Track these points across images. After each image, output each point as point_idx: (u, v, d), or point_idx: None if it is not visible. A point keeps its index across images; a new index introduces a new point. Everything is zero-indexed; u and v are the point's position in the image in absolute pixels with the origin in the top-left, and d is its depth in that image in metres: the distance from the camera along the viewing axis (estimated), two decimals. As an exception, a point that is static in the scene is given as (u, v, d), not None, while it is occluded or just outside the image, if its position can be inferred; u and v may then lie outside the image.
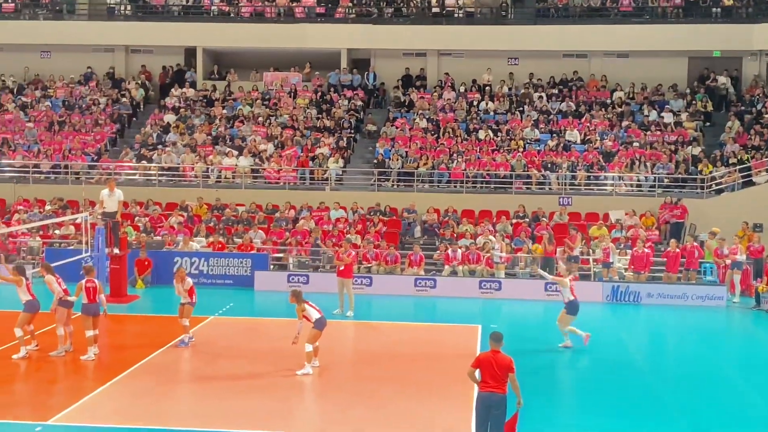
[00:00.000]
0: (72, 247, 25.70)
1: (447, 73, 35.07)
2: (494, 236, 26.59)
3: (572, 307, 18.52)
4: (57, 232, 27.67)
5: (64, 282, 17.37)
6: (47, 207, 28.83)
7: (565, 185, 29.54)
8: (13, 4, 36.27)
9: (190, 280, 18.22)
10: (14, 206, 29.24)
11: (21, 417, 13.63)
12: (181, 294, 18.07)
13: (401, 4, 35.57)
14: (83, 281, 17.04)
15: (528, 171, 29.85)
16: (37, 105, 34.77)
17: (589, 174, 29.60)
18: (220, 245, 26.43)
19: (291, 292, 16.65)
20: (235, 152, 31.16)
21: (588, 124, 32.23)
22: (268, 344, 18.73)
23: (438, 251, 26.31)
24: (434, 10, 35.24)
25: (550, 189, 29.70)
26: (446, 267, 25.66)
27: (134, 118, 34.76)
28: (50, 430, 13.06)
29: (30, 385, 15.98)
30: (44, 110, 34.36)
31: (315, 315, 16.22)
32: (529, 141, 31.56)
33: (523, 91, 34.35)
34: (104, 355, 17.20)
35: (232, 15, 35.75)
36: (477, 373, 11.56)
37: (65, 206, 28.73)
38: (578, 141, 31.50)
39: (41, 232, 27.56)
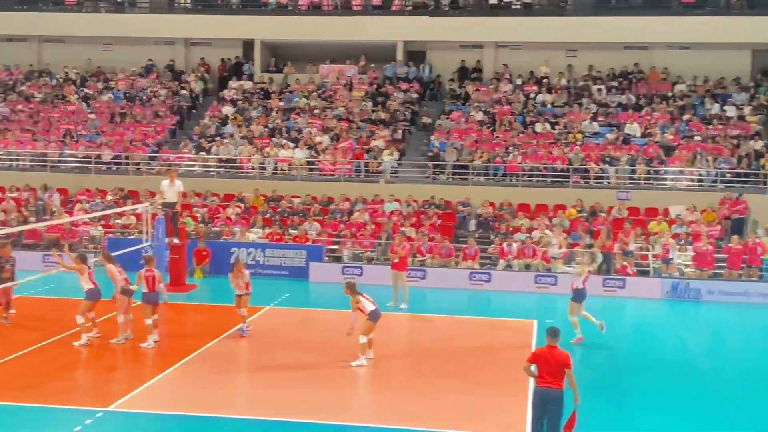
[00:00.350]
0: (132, 237, 26.13)
1: (505, 65, 34.77)
2: (551, 230, 26.33)
3: (579, 296, 18.38)
4: (118, 221, 28.13)
5: (124, 271, 17.67)
6: (108, 197, 29.30)
7: (624, 179, 29.10)
8: (76, -2, 36.96)
9: (247, 273, 18.35)
10: (76, 196, 29.80)
11: (82, 403, 13.89)
12: (239, 288, 18.17)
13: (458, -4, 35.38)
14: (143, 270, 17.32)
15: (586, 164, 29.46)
16: (99, 97, 35.36)
17: (649, 168, 29.10)
18: (276, 236, 26.62)
19: (345, 284, 16.70)
20: (291, 144, 31.33)
21: (648, 117, 31.68)
22: (323, 335, 18.85)
23: (493, 245, 26.14)
24: (492, 1, 34.92)
25: (608, 183, 29.29)
26: (501, 261, 25.50)
27: (193, 110, 35.14)
28: (110, 416, 13.27)
29: (91, 371, 16.29)
30: (106, 102, 34.95)
31: (369, 307, 16.24)
32: (587, 134, 31.16)
33: (581, 83, 33.92)
34: (163, 343, 17.45)
35: (290, 8, 35.89)
36: (533, 367, 11.47)
37: (126, 196, 29.19)
38: (638, 134, 30.98)
39: (103, 222, 28.05)
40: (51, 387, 14.75)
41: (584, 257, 20.39)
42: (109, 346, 17.20)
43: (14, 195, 29.62)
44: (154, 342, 17.11)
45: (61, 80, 36.49)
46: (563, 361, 11.29)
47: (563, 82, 33.97)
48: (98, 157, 31.51)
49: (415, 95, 34.20)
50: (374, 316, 16.25)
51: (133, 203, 27.32)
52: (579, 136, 30.90)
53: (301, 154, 30.85)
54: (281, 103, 33.97)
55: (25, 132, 33.08)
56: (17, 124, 33.74)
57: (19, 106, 34.84)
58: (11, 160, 31.93)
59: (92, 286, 17.22)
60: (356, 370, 16.03)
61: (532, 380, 11.76)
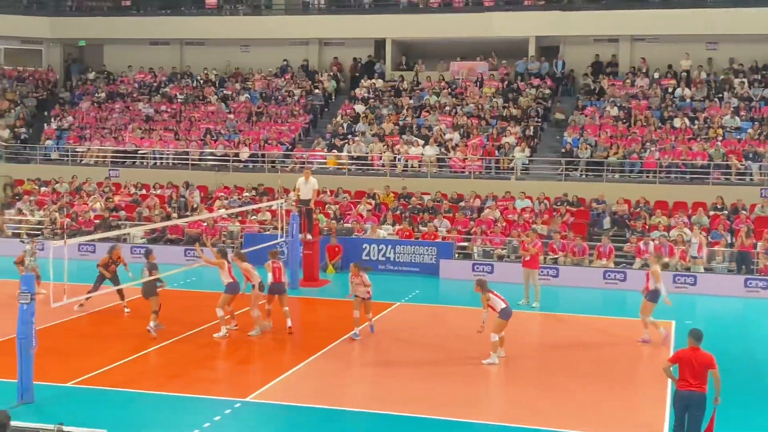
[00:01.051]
0: (268, 233, 26.77)
1: (643, 59, 33.74)
2: (690, 229, 25.38)
3: (653, 295, 17.75)
4: (254, 217, 28.87)
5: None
6: (245, 194, 30.09)
7: (768, 176, 27.83)
8: (215, 1, 38.06)
9: (365, 276, 17.79)
10: (216, 193, 30.77)
11: (222, 393, 14.27)
12: (359, 292, 17.71)
13: (593, -10, 34.59)
14: (269, 262, 17.91)
15: (727, 160, 28.27)
16: (237, 97, 36.38)
17: (795, 164, 27.68)
18: (407, 233, 26.71)
19: (476, 282, 16.58)
20: (422, 142, 31.39)
21: (794, 111, 30.15)
22: (453, 332, 18.78)
23: (628, 243, 25.40)
24: (627, -6, 34.01)
25: (751, 180, 28.02)
26: (637, 260, 24.72)
27: (326, 109, 35.70)
28: (248, 407, 13.61)
29: (230, 362, 16.75)
30: (243, 102, 35.93)
31: (500, 305, 16.06)
32: (728, 129, 29.89)
33: (722, 76, 32.55)
34: (298, 336, 17.80)
35: (420, 6, 35.97)
36: (674, 369, 11.09)
37: (262, 193, 29.91)
38: (783, 129, 29.54)
39: (240, 218, 28.84)
40: (193, 377, 15.27)
41: (652, 258, 19.58)
42: (247, 338, 17.67)
43: (158, 192, 30.87)
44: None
45: (201, 81, 37.76)
46: (708, 362, 10.91)
47: (703, 75, 32.68)
48: (236, 155, 32.44)
49: (547, 91, 33.65)
50: (505, 314, 16.06)
51: (269, 200, 27.97)
52: (720, 131, 29.67)
53: (431, 151, 30.85)
54: (411, 101, 34.08)
55: (167, 131, 34.41)
56: (161, 123, 35.16)
57: (163, 107, 36.29)
58: (155, 158, 33.28)
59: (231, 280, 17.76)
60: (488, 367, 15.89)
61: (671, 382, 11.36)
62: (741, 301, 22.54)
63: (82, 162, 33.71)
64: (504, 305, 16.07)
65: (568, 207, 27.64)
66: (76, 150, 34.07)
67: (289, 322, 17.88)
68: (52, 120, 36.44)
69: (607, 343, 18.03)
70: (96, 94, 37.80)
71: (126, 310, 19.74)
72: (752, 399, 14.36)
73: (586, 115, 31.71)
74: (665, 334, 17.82)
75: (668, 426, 12.43)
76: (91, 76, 39.41)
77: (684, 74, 32.87)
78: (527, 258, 21.64)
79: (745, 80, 32.06)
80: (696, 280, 23.58)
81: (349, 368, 15.95)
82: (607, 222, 27.25)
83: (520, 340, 17.73)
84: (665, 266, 21.25)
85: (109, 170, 32.87)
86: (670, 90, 32.36)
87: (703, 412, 10.89)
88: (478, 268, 24.95)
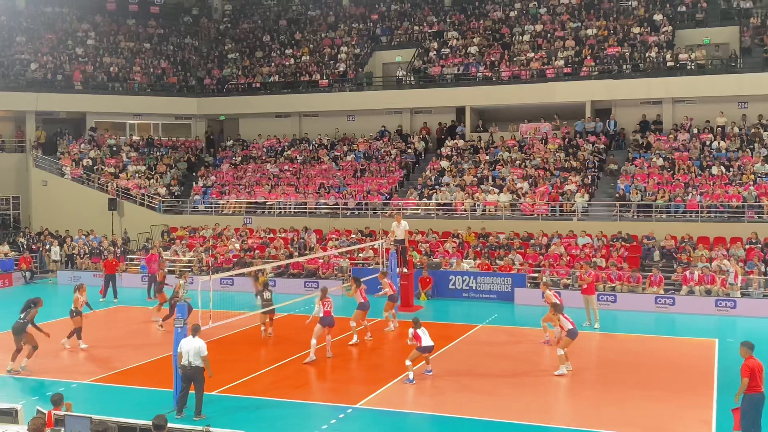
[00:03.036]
0: (371, 267, 27.07)
1: (687, 117, 33.04)
2: (728, 260, 24.58)
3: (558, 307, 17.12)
4: (360, 255, 29.21)
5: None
6: (352, 235, 30.50)
7: (798, 214, 26.75)
8: (326, 81, 39.07)
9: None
10: (329, 235, 31.28)
11: (335, 401, 14.47)
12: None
13: (638, 61, 34.11)
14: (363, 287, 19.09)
15: (759, 201, 27.32)
16: (344, 157, 36.96)
17: (822, 203, 26.52)
18: (486, 266, 26.65)
19: (551, 305, 16.48)
20: (497, 190, 31.33)
21: (819, 158, 28.93)
22: (528, 348, 18.60)
23: (676, 273, 24.75)
24: (669, 64, 33.43)
25: (782, 217, 27.02)
26: (684, 287, 24.08)
27: (417, 165, 35.95)
28: (358, 412, 13.76)
29: (339, 374, 16.91)
30: (350, 161, 36.51)
31: (568, 326, 15.92)
32: (759, 175, 28.90)
33: (753, 130, 31.57)
34: (399, 353, 17.91)
35: (494, 79, 36.10)
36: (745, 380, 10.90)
37: (367, 234, 30.27)
38: (809, 173, 28.41)
39: (348, 255, 29.21)
40: (311, 387, 15.53)
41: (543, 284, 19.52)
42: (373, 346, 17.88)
43: (283, 235, 31.57)
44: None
45: (316, 146, 38.52)
46: (763, 367, 10.90)
47: (736, 130, 31.79)
48: (345, 204, 32.95)
49: (602, 146, 33.22)
50: (572, 334, 15.91)
51: (371, 240, 28.29)
52: (752, 176, 28.72)
53: (505, 198, 30.77)
54: (488, 157, 34.11)
55: (290, 186, 35.10)
56: (285, 180, 35.93)
57: (286, 167, 37.09)
58: (280, 208, 34.07)
59: (363, 300, 18.37)
60: (558, 378, 15.71)
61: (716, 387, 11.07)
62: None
63: (223, 212, 34.62)
64: (571, 326, 15.93)
65: (622, 243, 27.12)
66: (218, 203, 35.11)
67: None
68: (199, 179, 37.61)
69: (660, 359, 17.57)
70: (233, 158, 38.97)
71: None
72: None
73: (636, 166, 31.16)
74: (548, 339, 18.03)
75: (715, 424, 12.08)
76: (230, 143, 40.73)
77: (719, 129, 32.02)
78: (584, 286, 21.39)
79: (774, 133, 31.03)
80: (735, 303, 22.78)
81: (443, 379, 15.93)
82: (656, 255, 26.61)
83: (584, 355, 17.48)
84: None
85: (244, 218, 33.71)
86: (707, 143, 31.54)
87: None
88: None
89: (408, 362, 15.65)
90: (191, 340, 13.34)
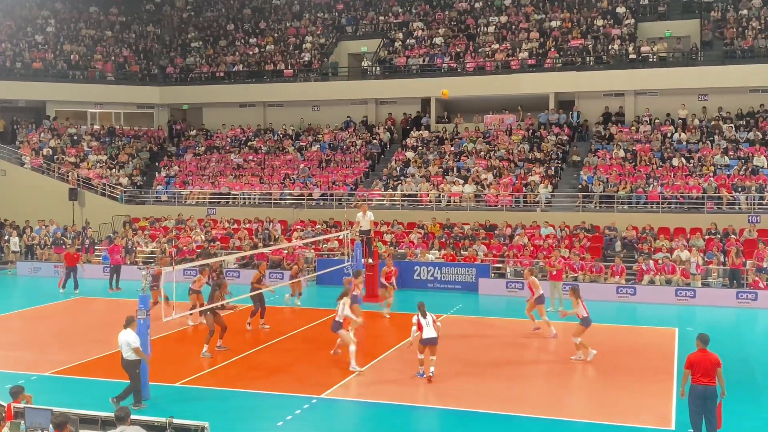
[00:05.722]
0: (336, 258, 27.03)
1: (647, 109, 33.52)
2: (688, 250, 25.03)
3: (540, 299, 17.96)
4: (325, 245, 29.16)
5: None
6: (317, 226, 30.41)
7: (754, 205, 27.28)
8: (291, 71, 38.80)
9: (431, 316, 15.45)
10: (294, 226, 31.16)
11: (299, 391, 14.46)
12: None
13: (602, 53, 34.49)
14: (352, 278, 18.85)
15: (719, 193, 27.85)
16: (309, 148, 36.86)
17: (778, 195, 27.14)
18: (450, 257, 26.78)
19: (570, 288, 16.60)
20: (461, 181, 31.49)
21: (775, 150, 29.59)
22: (495, 340, 18.67)
23: (637, 263, 25.14)
24: (631, 56, 33.85)
25: (739, 209, 27.54)
26: (645, 276, 24.47)
27: (382, 156, 35.98)
28: (322, 402, 13.70)
29: (303, 366, 16.89)
30: (315, 151, 36.39)
31: (584, 313, 16.07)
32: (719, 166, 29.48)
33: (713, 123, 32.16)
34: (362, 343, 17.90)
35: (459, 70, 36.23)
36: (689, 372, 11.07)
37: (331, 225, 30.22)
38: (765, 166, 28.99)
39: (313, 246, 29.16)
40: (274, 377, 15.46)
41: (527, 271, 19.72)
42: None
43: (247, 226, 31.38)
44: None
45: (281, 136, 38.35)
46: (716, 361, 11.00)
47: (696, 122, 32.35)
48: (310, 195, 32.84)
49: (565, 137, 33.56)
50: (586, 322, 16.03)
51: (337, 231, 28.24)
52: (711, 168, 29.28)
53: (469, 188, 30.94)
54: (452, 148, 34.24)
55: (254, 177, 34.94)
56: (249, 170, 35.73)
57: (250, 157, 36.87)
58: (244, 198, 33.85)
59: (586, 314, 17.87)
60: (521, 368, 15.80)
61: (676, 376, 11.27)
62: (733, 310, 22.11)
63: (186, 202, 34.29)
64: (586, 315, 16.02)
65: (585, 233, 27.46)
66: (181, 193, 34.76)
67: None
68: (162, 169, 37.25)
69: (622, 348, 17.83)
70: (197, 148, 38.63)
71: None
72: (746, 394, 14.11)
73: (598, 157, 31.54)
74: (554, 334, 18.34)
75: (674, 417, 12.31)
76: (193, 133, 40.31)
77: (680, 121, 32.57)
78: (554, 272, 21.64)
79: (732, 125, 31.62)
80: (695, 293, 23.22)
81: (408, 369, 15.96)
82: (618, 245, 27.01)
83: (548, 344, 17.61)
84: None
85: (208, 209, 33.46)
86: (668, 135, 32.05)
87: (715, 403, 10.86)
88: (510, 285, 24.89)
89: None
90: (123, 333, 13.07)
